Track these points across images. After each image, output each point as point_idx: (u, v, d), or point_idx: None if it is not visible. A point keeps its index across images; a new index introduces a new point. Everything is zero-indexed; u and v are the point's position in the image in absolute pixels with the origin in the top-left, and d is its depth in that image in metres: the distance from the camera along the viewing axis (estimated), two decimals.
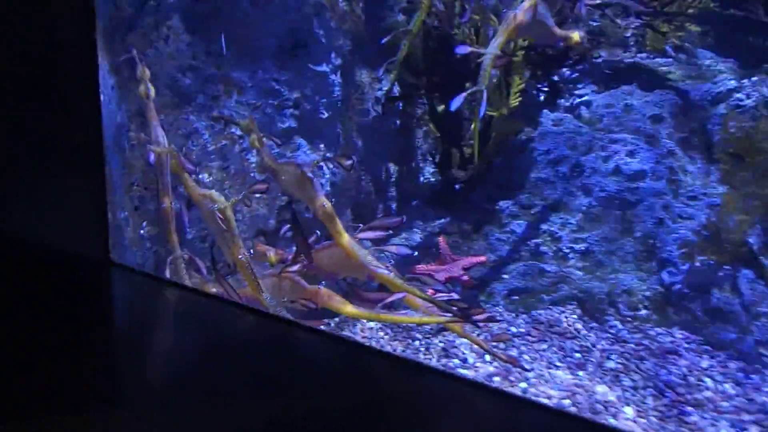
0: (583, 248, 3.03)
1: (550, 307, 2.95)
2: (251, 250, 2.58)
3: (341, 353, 1.84)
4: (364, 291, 2.47)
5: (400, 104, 3.23)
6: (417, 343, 2.72)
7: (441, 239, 3.05)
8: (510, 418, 1.43)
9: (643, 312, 2.86)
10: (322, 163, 2.82)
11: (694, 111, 3.10)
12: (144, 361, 1.63)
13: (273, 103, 2.80)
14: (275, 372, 1.57)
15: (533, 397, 2.30)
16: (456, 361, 2.59)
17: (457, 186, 3.28)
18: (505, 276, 3.04)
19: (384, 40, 2.86)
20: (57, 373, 1.45)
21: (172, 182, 2.45)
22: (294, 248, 2.49)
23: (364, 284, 2.49)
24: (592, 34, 3.40)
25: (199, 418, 1.30)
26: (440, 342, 2.70)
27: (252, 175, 2.80)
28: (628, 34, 3.47)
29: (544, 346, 2.67)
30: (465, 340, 2.57)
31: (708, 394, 2.33)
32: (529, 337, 2.75)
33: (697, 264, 2.78)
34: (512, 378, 2.45)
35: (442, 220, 3.26)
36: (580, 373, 2.47)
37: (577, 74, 3.38)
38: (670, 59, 3.35)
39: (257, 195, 2.54)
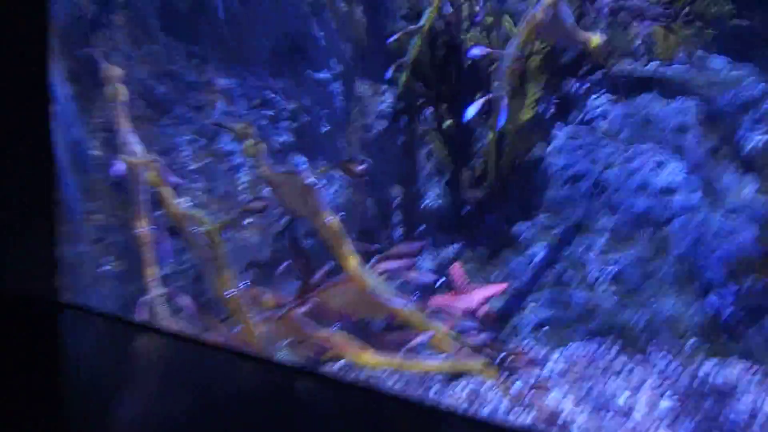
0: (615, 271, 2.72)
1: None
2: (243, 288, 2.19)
3: (352, 399, 1.50)
4: (383, 332, 2.16)
5: (407, 117, 2.91)
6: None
7: (456, 266, 2.71)
8: None
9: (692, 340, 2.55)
10: (329, 172, 2.45)
11: (722, 118, 2.88)
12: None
13: (267, 114, 2.41)
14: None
15: None
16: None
17: (469, 207, 2.95)
18: (533, 304, 2.70)
19: (390, 40, 2.55)
20: None
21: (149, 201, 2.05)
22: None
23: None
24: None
25: None
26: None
27: (243, 198, 2.41)
28: (638, 42, 3.25)
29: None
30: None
31: None
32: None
33: (748, 284, 2.50)
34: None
35: (456, 245, 2.91)
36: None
37: (588, 84, 3.13)
38: (687, 65, 3.14)
39: (252, 215, 2.18)
